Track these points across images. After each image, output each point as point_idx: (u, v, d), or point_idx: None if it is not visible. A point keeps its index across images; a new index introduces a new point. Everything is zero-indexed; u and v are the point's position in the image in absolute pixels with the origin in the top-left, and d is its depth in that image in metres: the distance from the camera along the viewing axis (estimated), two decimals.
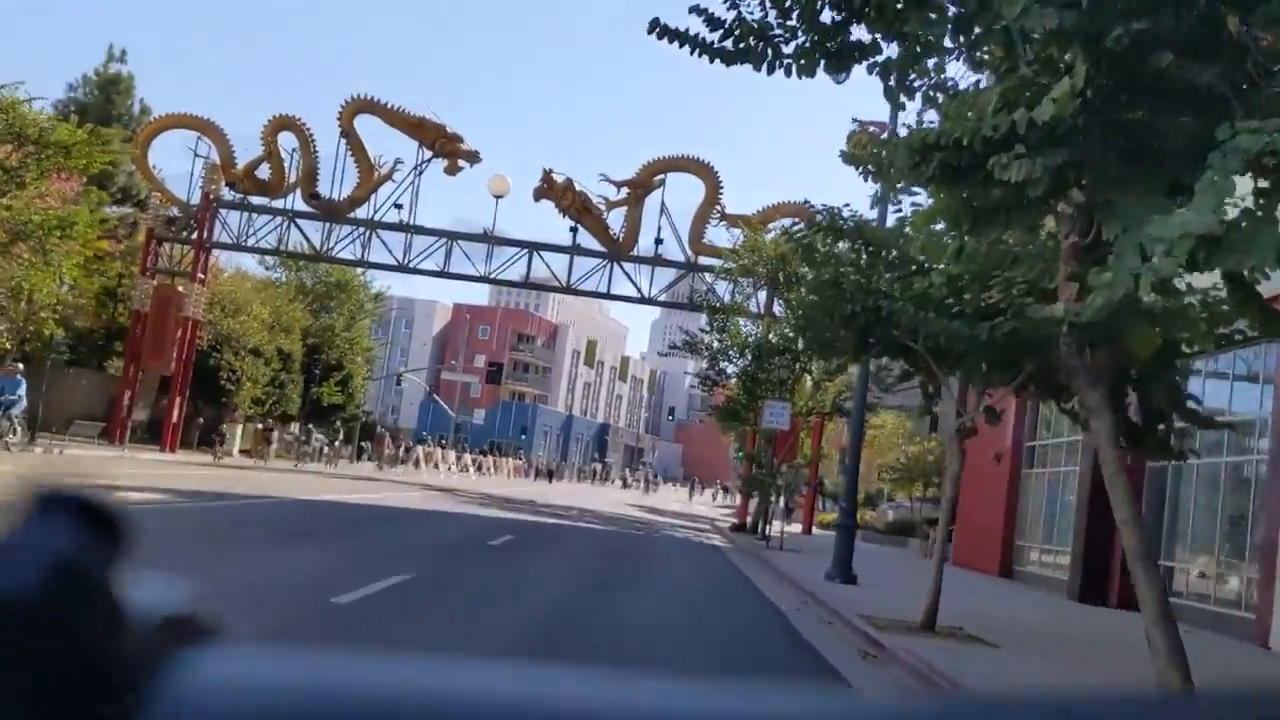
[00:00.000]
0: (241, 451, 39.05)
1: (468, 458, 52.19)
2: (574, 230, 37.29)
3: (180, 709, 0.47)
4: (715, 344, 32.50)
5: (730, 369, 32.66)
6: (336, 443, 44.79)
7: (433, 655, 0.53)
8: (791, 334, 30.45)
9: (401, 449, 42.92)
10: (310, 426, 47.61)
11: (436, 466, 44.39)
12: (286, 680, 0.50)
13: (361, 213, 37.52)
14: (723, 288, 34.71)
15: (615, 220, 37.73)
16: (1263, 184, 6.72)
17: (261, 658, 0.52)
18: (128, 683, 0.47)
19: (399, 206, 37.07)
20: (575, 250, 37.36)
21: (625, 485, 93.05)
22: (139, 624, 0.49)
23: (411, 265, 37.35)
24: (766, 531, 27.57)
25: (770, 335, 30.57)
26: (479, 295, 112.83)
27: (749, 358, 31.89)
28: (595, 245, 37.59)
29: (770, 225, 33.87)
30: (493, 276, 37.43)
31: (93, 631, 0.47)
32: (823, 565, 17.13)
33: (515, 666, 0.52)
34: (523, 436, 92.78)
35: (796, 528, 31.77)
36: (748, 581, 16.78)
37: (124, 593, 0.49)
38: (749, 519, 32.83)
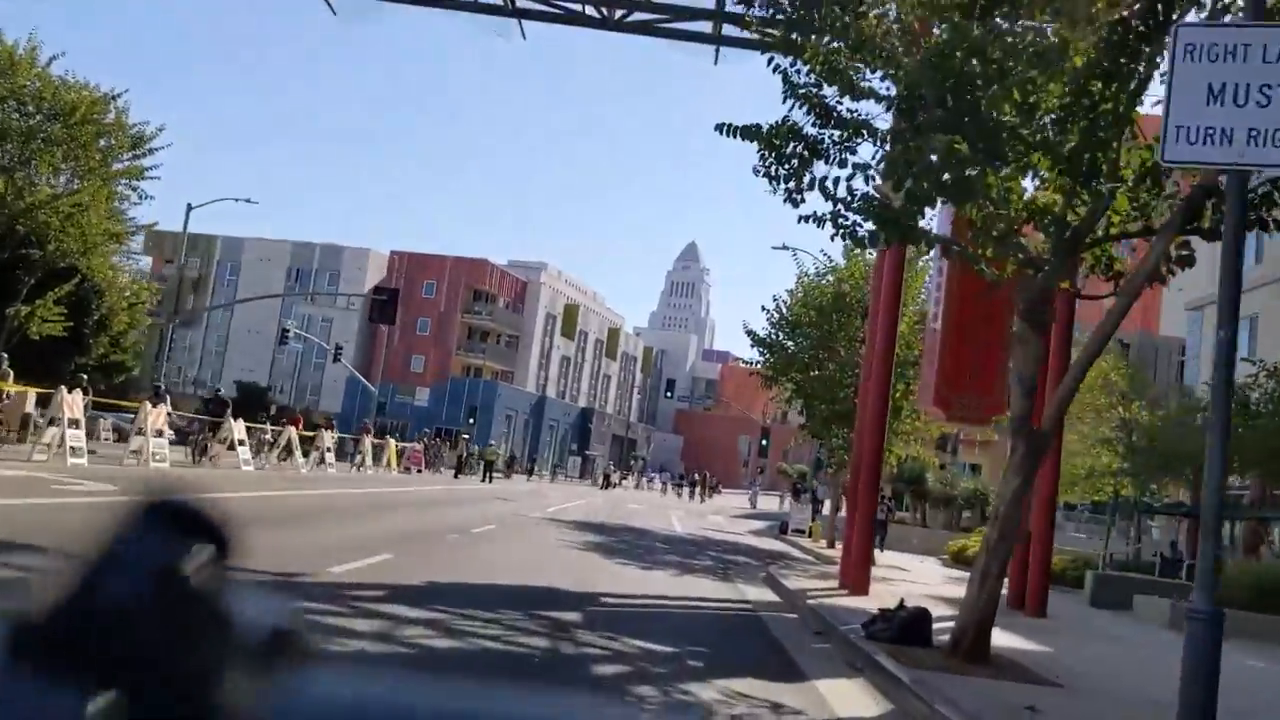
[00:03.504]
0: None
1: (276, 433, 29.29)
2: None
3: None
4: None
5: (863, 152, 10.63)
6: None
7: (521, 684, 0.53)
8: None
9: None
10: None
11: (137, 450, 21.71)
12: (376, 707, 0.49)
13: None
14: None
15: None
16: None
17: (350, 681, 0.52)
18: (225, 697, 0.45)
19: None
20: None
21: (608, 485, 70.86)
22: (241, 639, 0.47)
23: None
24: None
25: None
26: (420, 238, 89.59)
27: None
28: None
29: None
30: None
31: (193, 644, 0.45)
32: None
33: (599, 702, 0.49)
34: (470, 422, 70.43)
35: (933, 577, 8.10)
36: None
37: (227, 606, 0.47)
38: (969, 609, 10.80)
